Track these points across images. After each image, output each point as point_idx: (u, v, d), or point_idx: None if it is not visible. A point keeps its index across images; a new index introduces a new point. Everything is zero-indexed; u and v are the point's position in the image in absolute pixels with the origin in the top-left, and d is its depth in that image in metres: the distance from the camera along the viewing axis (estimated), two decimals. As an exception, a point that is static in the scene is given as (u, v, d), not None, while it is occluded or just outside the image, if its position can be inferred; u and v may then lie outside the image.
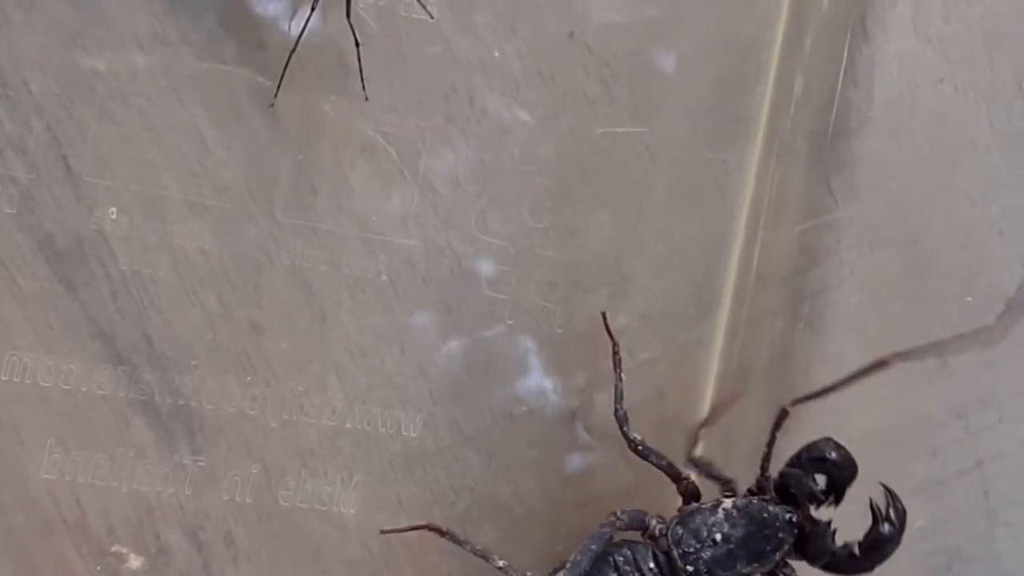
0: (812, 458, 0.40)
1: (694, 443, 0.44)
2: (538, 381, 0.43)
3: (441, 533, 0.40)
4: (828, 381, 0.45)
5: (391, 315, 0.41)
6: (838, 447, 0.40)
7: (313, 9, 0.38)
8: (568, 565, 0.39)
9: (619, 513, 0.40)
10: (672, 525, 0.40)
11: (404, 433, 0.42)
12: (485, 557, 0.40)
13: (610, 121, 0.43)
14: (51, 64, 0.38)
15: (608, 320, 0.42)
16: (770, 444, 0.41)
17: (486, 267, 0.42)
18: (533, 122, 0.42)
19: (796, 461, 0.40)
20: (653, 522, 0.41)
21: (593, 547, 0.39)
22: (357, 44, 0.39)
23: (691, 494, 0.41)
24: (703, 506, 0.41)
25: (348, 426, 0.41)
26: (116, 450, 0.39)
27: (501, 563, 0.39)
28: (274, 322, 0.40)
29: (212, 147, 0.39)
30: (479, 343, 0.42)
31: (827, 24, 0.45)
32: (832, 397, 0.46)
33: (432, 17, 0.40)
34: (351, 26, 0.38)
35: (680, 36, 0.43)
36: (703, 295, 0.45)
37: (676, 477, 0.41)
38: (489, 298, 0.42)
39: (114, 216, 0.38)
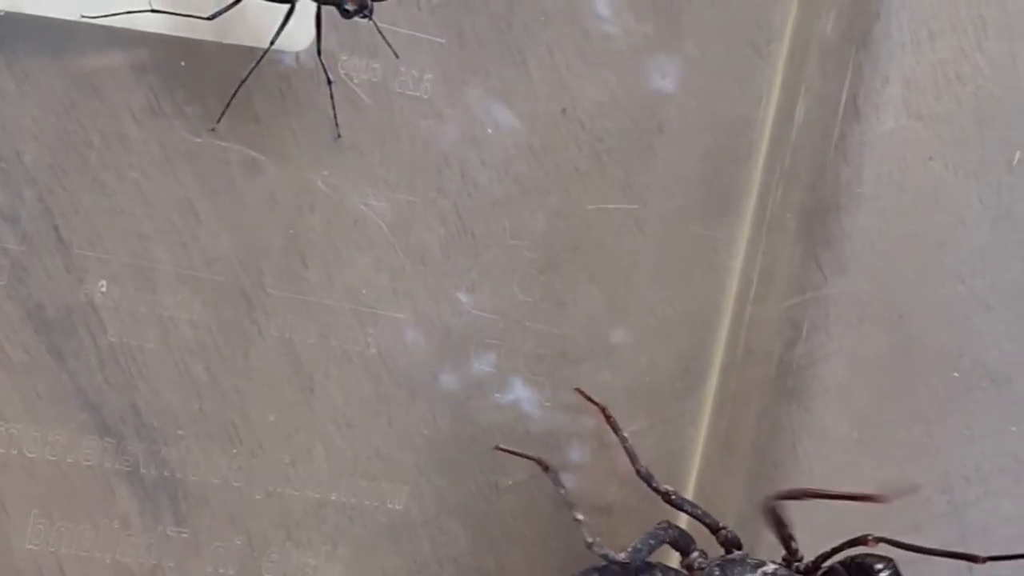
0: (862, 568, 0.40)
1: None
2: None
3: (545, 469, 0.41)
4: (814, 455, 0.46)
5: (379, 387, 0.42)
6: (895, 570, 0.40)
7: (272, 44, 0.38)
8: (629, 549, 0.39)
9: (672, 524, 0.41)
10: (712, 565, 0.41)
11: (389, 505, 0.42)
12: (571, 506, 0.40)
13: (601, 196, 0.43)
14: (45, 135, 0.38)
15: (586, 392, 0.43)
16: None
17: (475, 340, 0.42)
18: (524, 196, 0.43)
19: (846, 566, 0.40)
20: (696, 553, 0.41)
21: (652, 541, 0.40)
22: (329, 82, 0.39)
23: (732, 542, 0.42)
24: (747, 560, 0.41)
25: (333, 498, 0.41)
26: (100, 521, 0.39)
27: (580, 516, 0.40)
28: (261, 393, 0.40)
29: (204, 219, 0.39)
30: (467, 415, 0.42)
31: (818, 102, 0.45)
32: (818, 468, 0.47)
33: (397, 56, 0.40)
34: (322, 64, 0.38)
35: (672, 113, 0.44)
36: (690, 369, 0.45)
37: (714, 527, 0.42)
38: (477, 371, 0.42)
39: (104, 288, 0.38)
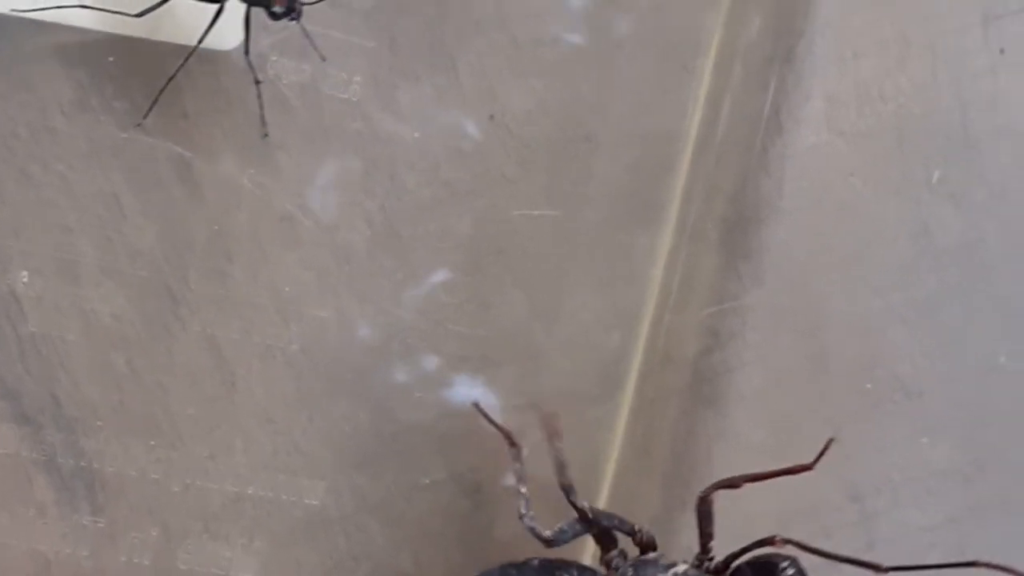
0: (767, 566, 0.41)
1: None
2: (444, 454, 0.44)
3: (512, 444, 0.42)
4: (729, 461, 0.47)
5: (301, 383, 0.42)
6: (798, 568, 0.41)
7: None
8: (556, 529, 0.41)
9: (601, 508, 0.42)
10: (627, 565, 0.41)
11: (307, 500, 0.42)
12: (520, 479, 0.41)
13: (527, 202, 0.44)
14: (-29, 127, 0.38)
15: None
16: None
17: (398, 340, 0.43)
18: (451, 200, 0.43)
19: (752, 565, 0.41)
20: (615, 552, 0.42)
21: (579, 527, 0.41)
22: (257, 82, 0.39)
23: (648, 544, 0.42)
24: (660, 560, 0.42)
25: (251, 492, 0.42)
26: (17, 509, 0.39)
27: (524, 489, 0.41)
28: (182, 387, 0.41)
29: (129, 214, 0.40)
30: (387, 413, 0.43)
31: (742, 116, 0.46)
32: (730, 474, 0.47)
33: (324, 59, 0.40)
34: (250, 64, 0.39)
35: (599, 123, 0.44)
36: (610, 374, 0.46)
37: (630, 531, 0.42)
38: (399, 370, 0.43)
39: (26, 279, 0.39)
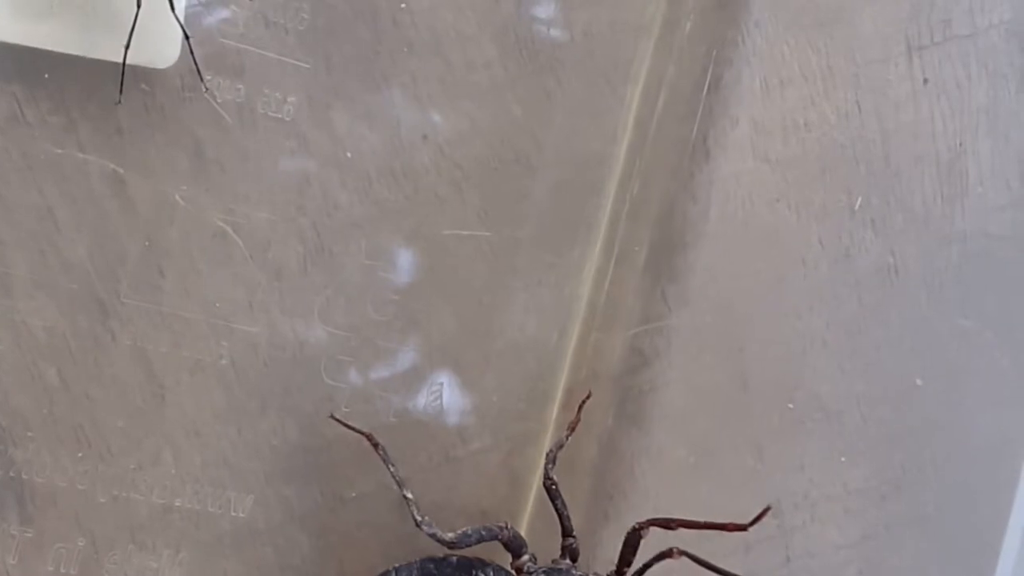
0: None
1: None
2: (371, 469, 0.44)
3: (375, 445, 0.42)
4: (651, 477, 0.48)
5: (230, 397, 0.43)
6: None
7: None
8: (459, 532, 0.41)
9: (509, 525, 0.43)
10: (539, 570, 0.42)
11: (234, 512, 0.43)
12: (400, 484, 0.42)
13: (457, 222, 0.45)
14: (-93, 138, 0.39)
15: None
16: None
17: (327, 355, 0.44)
18: (382, 218, 0.44)
19: None
20: (527, 556, 0.43)
21: (484, 532, 0.42)
22: (186, 36, 0.39)
23: (571, 554, 0.44)
24: (575, 571, 0.43)
25: (178, 503, 0.42)
26: (-56, 518, 0.40)
27: (409, 495, 0.42)
28: (112, 399, 0.41)
29: (63, 228, 0.40)
30: (315, 427, 0.44)
31: (669, 142, 0.47)
32: (654, 490, 0.48)
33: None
34: (176, 17, 0.38)
35: (530, 145, 0.45)
36: (536, 391, 0.47)
37: (567, 532, 0.43)
38: (328, 386, 0.44)
39: (-42, 292, 0.39)
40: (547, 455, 0.44)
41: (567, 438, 0.44)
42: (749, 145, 0.48)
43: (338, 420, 0.43)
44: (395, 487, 0.42)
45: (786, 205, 0.48)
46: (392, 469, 0.42)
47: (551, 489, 0.43)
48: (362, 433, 0.43)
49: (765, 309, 0.48)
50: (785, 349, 0.49)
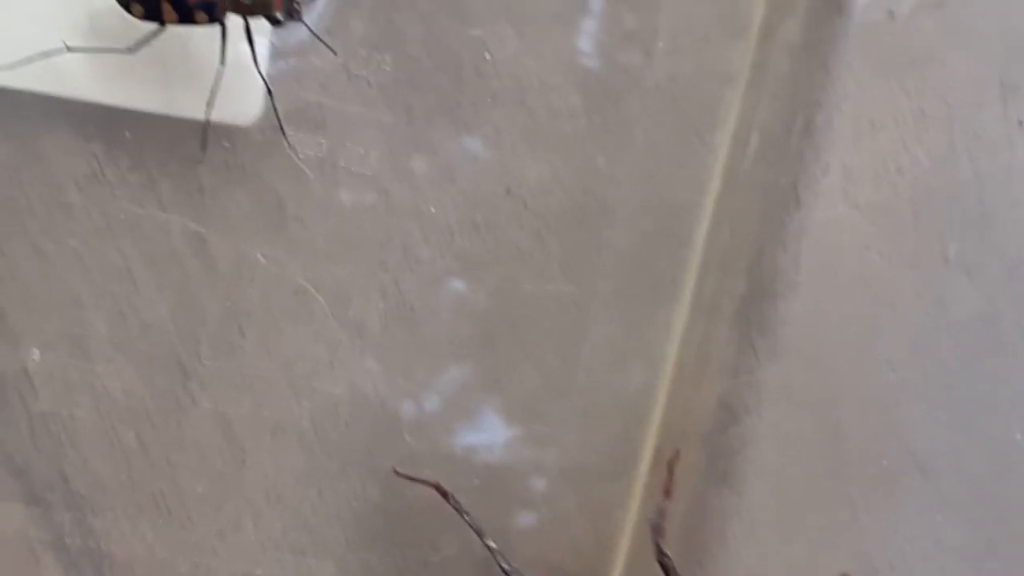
0: None
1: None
2: (455, 529, 0.43)
3: (444, 495, 0.41)
4: (742, 540, 0.46)
5: (311, 459, 0.42)
6: None
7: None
8: None
9: None
10: None
11: (315, 579, 0.42)
12: (479, 533, 0.41)
13: (541, 275, 0.44)
14: (-16, 202, 0.38)
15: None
16: None
17: (409, 414, 0.43)
18: (464, 273, 0.43)
19: None
20: None
21: None
22: (270, 92, 0.38)
23: None
24: None
25: (259, 572, 0.41)
26: (23, 589, 0.39)
27: (492, 543, 0.41)
28: (192, 463, 0.40)
29: (142, 288, 0.40)
30: (397, 489, 0.43)
31: (758, 190, 0.46)
32: (746, 553, 0.47)
33: (335, 54, 0.40)
34: (260, 73, 0.38)
35: (614, 196, 0.44)
36: (622, 451, 0.45)
37: None
38: (410, 446, 0.43)
39: (37, 356, 0.38)
40: (652, 527, 0.42)
41: (667, 503, 0.43)
42: (840, 191, 0.46)
43: (401, 474, 0.42)
44: (476, 539, 0.41)
45: (877, 253, 0.47)
46: (468, 518, 0.41)
47: (666, 564, 0.41)
48: (429, 483, 0.42)
49: (857, 361, 0.47)
50: (878, 402, 0.47)
